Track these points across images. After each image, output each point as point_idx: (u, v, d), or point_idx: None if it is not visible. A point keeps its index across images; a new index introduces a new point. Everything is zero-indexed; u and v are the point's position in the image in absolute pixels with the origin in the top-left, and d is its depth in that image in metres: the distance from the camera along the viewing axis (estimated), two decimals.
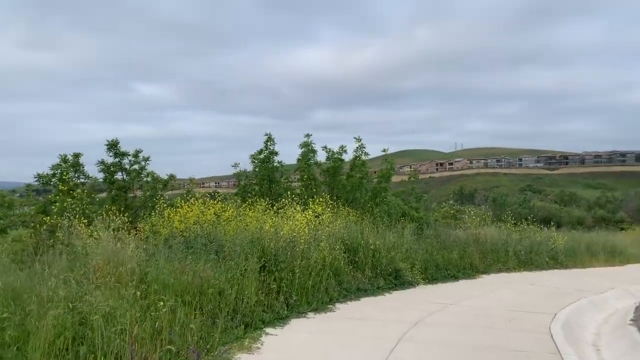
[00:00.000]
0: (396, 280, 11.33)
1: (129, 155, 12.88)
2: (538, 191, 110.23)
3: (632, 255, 22.44)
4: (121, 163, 12.85)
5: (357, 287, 9.97)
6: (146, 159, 13.08)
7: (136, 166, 12.99)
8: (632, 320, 7.69)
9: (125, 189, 12.68)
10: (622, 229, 48.08)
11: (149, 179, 13.17)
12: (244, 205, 11.69)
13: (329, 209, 12.16)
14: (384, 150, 16.46)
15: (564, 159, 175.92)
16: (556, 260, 17.60)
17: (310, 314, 7.86)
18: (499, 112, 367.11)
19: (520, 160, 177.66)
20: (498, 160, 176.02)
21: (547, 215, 45.35)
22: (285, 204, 10.71)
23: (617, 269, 18.67)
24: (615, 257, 20.76)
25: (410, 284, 11.49)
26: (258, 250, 8.00)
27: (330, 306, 8.49)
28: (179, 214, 10.19)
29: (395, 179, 17.68)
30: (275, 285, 7.65)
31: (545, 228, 19.75)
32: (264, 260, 7.93)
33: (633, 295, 12.20)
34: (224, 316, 6.39)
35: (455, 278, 13.25)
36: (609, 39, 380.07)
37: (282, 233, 8.50)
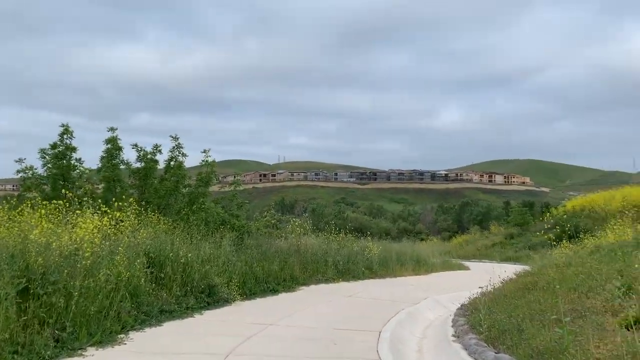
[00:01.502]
0: (209, 298, 9.90)
1: None
2: (351, 204, 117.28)
3: (434, 264, 24.12)
4: None
5: (161, 309, 8.30)
6: None
7: None
8: (454, 336, 7.38)
9: None
10: (422, 239, 53.05)
11: None
12: (19, 208, 9.18)
13: (133, 216, 10.29)
14: (205, 151, 14.93)
15: (373, 175, 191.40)
16: (371, 270, 17.84)
17: (91, 350, 5.99)
18: (320, 129, 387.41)
19: (336, 174, 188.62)
20: (316, 174, 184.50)
21: (359, 225, 47.76)
22: (73, 208, 8.56)
23: (424, 278, 19.67)
24: (421, 266, 21.99)
25: (227, 301, 10.17)
26: (20, 267, 5.91)
27: (122, 336, 6.71)
28: None
29: (218, 189, 16.39)
30: (31, 314, 5.62)
31: (362, 238, 20.10)
32: (27, 281, 5.88)
33: (442, 305, 12.51)
34: None
35: (275, 291, 12.30)
36: (415, 69, 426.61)
37: (55, 245, 6.48)
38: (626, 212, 29.38)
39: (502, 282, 12.38)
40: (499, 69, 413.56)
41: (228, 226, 14.16)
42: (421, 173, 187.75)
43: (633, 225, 19.63)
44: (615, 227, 18.52)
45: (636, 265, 6.72)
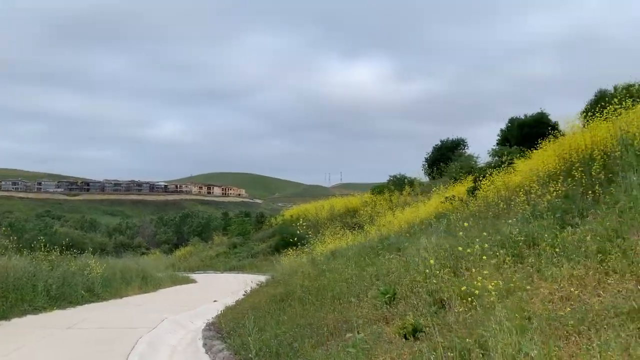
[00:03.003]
0: None
1: None
2: (58, 217, 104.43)
3: (162, 279, 22.62)
4: None
5: None
6: None
7: None
8: None
9: None
10: (143, 253, 50.08)
11: None
12: None
13: None
14: None
15: (86, 185, 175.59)
16: (93, 293, 15.44)
17: None
18: (19, 131, 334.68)
19: (40, 184, 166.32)
20: (14, 183, 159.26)
21: (71, 241, 42.30)
22: None
23: (154, 295, 18.04)
24: (148, 283, 20.33)
25: None
26: None
27: None
28: None
29: None
30: None
31: (80, 255, 17.36)
32: None
33: (183, 326, 11.30)
34: None
35: None
36: (135, 76, 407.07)
37: None
38: (334, 220, 33.17)
39: (245, 295, 11.88)
40: (218, 85, 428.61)
41: None
42: (139, 184, 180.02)
43: (344, 231, 21.90)
44: (334, 234, 20.19)
45: (390, 274, 6.82)
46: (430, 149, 37.23)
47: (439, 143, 37.05)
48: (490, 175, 12.48)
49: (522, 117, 29.25)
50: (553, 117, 27.25)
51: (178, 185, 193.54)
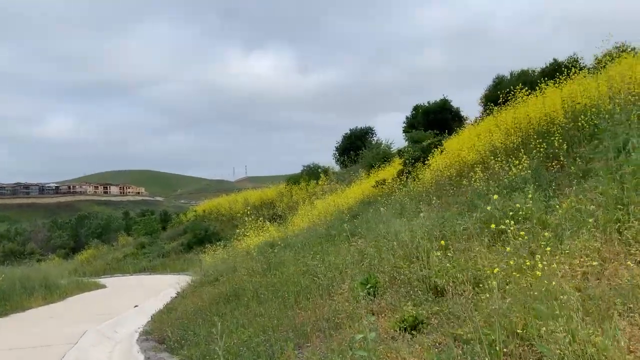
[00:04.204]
0: None
1: None
2: None
3: (67, 287, 20.56)
4: None
5: None
6: None
7: None
8: None
9: None
10: (40, 260, 45.71)
11: None
12: None
13: None
14: None
15: None
16: None
17: None
18: None
19: None
20: None
21: None
22: None
23: (62, 305, 16.19)
24: (53, 292, 18.39)
25: None
26: None
27: None
28: None
29: None
30: None
31: None
32: None
33: (109, 337, 10.00)
34: None
35: None
36: (13, 69, 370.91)
37: None
38: (250, 213, 32.18)
39: (177, 296, 10.77)
40: (112, 77, 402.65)
41: None
42: (27, 186, 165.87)
43: (262, 223, 21.04)
44: (259, 227, 19.21)
45: (359, 263, 6.21)
46: (339, 139, 37.36)
47: (348, 132, 37.28)
48: (426, 157, 12.31)
49: (426, 104, 30.09)
50: (454, 104, 28.35)
51: (71, 186, 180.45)
